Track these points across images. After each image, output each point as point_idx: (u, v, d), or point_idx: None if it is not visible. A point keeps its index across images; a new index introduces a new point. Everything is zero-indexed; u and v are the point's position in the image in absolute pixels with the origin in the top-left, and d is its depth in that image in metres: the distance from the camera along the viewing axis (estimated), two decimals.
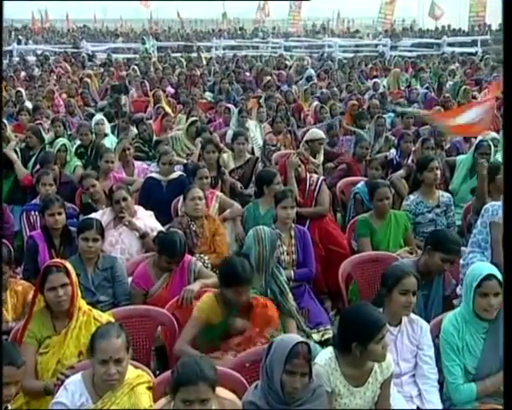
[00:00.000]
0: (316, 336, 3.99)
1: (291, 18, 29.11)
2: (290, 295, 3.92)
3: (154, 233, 4.47)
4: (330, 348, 2.98)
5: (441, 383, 3.25)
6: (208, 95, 11.86)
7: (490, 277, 3.17)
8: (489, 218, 3.89)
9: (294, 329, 3.82)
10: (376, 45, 22.35)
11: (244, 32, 31.58)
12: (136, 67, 14.86)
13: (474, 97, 10.80)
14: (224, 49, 22.33)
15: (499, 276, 3.20)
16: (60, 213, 4.44)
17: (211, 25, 37.88)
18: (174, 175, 5.84)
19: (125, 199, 4.72)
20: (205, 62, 17.77)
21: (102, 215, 4.70)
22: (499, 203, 4.02)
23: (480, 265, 3.40)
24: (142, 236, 4.64)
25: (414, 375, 3.27)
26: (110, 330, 2.78)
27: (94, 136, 7.26)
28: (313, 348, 3.40)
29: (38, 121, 8.26)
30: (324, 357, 2.93)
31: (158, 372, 3.39)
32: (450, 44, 21.58)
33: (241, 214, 5.14)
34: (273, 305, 3.63)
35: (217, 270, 3.92)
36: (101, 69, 15.65)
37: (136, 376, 2.83)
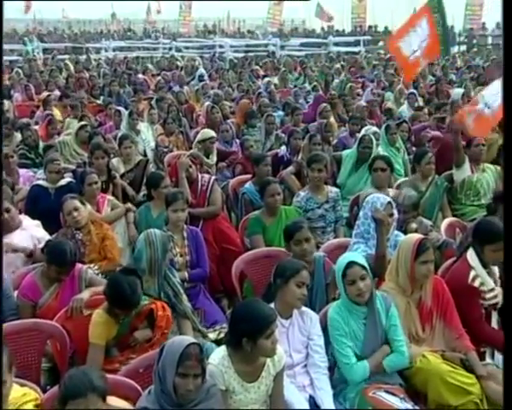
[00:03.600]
0: (212, 335, 4.00)
1: (182, 18, 28.96)
2: (184, 297, 3.92)
3: (42, 243, 4.31)
4: (223, 347, 3.00)
5: (330, 369, 3.36)
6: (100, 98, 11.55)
7: (351, 264, 3.31)
8: (370, 209, 4.08)
9: (190, 330, 3.82)
10: (266, 45, 22.75)
11: (133, 33, 31.05)
12: (19, 70, 14.19)
13: (359, 94, 11.35)
14: (114, 50, 21.79)
15: (361, 261, 3.35)
16: None
17: (99, 26, 36.81)
18: (62, 182, 5.61)
19: (7, 210, 4.48)
20: (94, 64, 17.28)
21: None
22: (379, 195, 4.22)
23: (343, 256, 3.52)
24: (30, 255, 4.46)
25: (306, 365, 3.36)
26: None
27: None
28: (209, 347, 3.44)
29: None
30: (217, 356, 2.95)
31: (48, 388, 3.25)
32: (335, 44, 22.43)
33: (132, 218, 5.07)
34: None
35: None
36: None
37: (23, 394, 2.70)
